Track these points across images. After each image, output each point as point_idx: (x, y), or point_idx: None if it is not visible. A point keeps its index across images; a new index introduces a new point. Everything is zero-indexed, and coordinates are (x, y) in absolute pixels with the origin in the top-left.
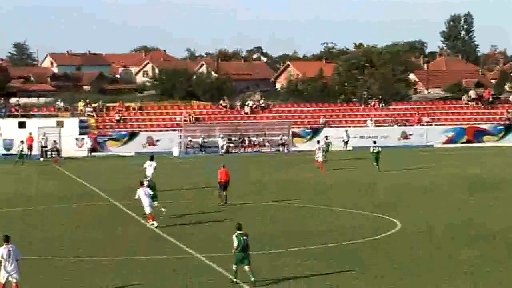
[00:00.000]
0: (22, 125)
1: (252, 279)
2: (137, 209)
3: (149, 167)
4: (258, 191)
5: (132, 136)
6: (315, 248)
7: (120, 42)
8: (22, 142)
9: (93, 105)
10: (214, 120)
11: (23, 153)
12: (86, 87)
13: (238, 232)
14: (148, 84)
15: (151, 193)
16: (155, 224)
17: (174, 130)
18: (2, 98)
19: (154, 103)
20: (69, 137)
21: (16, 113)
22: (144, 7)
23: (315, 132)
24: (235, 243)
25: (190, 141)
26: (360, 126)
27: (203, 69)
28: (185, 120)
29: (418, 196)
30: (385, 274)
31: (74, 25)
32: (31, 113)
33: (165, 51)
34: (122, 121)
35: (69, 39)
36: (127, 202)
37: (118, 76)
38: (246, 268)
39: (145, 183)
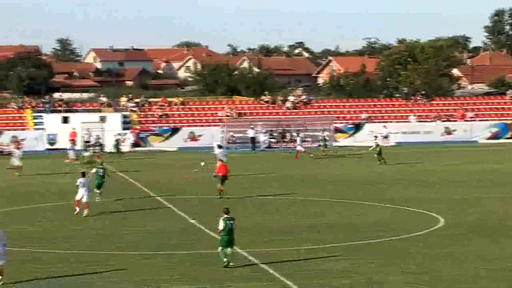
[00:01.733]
0: (65, 120)
1: (231, 263)
2: (178, 202)
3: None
4: (299, 185)
5: (175, 131)
6: (358, 243)
7: (163, 37)
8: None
9: (136, 100)
10: (256, 115)
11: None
12: (129, 83)
13: (226, 216)
14: (190, 79)
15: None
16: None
17: (216, 125)
18: (46, 94)
19: (196, 99)
20: (112, 132)
21: (59, 108)
22: (186, 2)
23: (357, 127)
24: (221, 226)
25: (232, 136)
26: (402, 122)
27: (245, 64)
28: (227, 115)
29: (461, 192)
30: (428, 270)
31: (118, 21)
32: (75, 108)
33: (207, 46)
34: (164, 116)
35: (112, 34)
36: (168, 196)
37: (160, 71)
38: (229, 250)
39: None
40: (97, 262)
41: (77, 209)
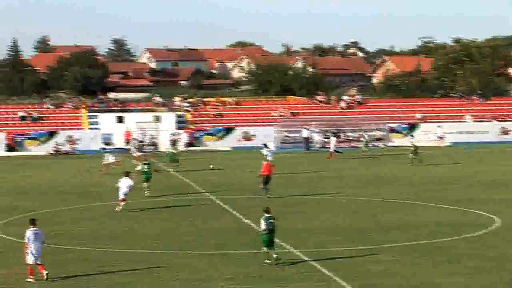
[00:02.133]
0: (120, 120)
1: (268, 261)
2: (233, 202)
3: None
4: (350, 185)
5: (228, 131)
6: (413, 244)
7: (217, 37)
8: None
9: (190, 100)
10: (310, 115)
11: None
12: (183, 82)
13: (267, 215)
14: (244, 79)
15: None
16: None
17: (269, 125)
18: (101, 94)
19: (250, 98)
20: (167, 132)
21: (114, 108)
22: (239, 2)
23: (412, 127)
24: (263, 226)
25: (286, 136)
26: (458, 122)
27: (299, 64)
28: (281, 115)
29: None
30: (484, 271)
31: (172, 21)
32: (129, 108)
33: (261, 46)
34: (218, 116)
35: (167, 34)
36: (223, 195)
37: (215, 71)
38: (265, 248)
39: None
40: (151, 261)
41: (120, 207)
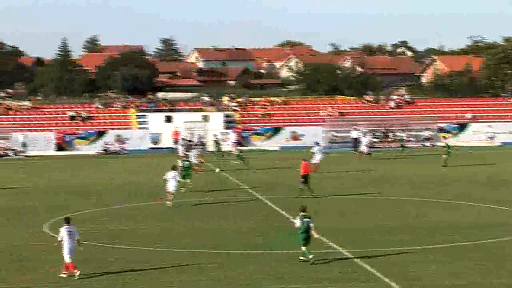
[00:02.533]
0: (169, 119)
1: (303, 258)
2: (278, 201)
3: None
4: (394, 185)
5: (277, 130)
6: (457, 244)
7: (265, 36)
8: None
9: (238, 99)
10: (359, 115)
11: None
12: (231, 82)
13: (302, 214)
14: (292, 78)
15: None
16: None
17: (318, 125)
18: (150, 93)
19: (298, 98)
20: (215, 132)
21: (163, 108)
22: (288, 2)
23: (462, 127)
24: (298, 224)
25: (334, 136)
26: (509, 122)
27: (348, 63)
28: (329, 115)
29: None
30: None
31: (221, 20)
32: (178, 107)
33: (310, 45)
34: (266, 116)
35: (216, 34)
36: (269, 195)
37: (263, 70)
38: (303, 248)
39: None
40: (194, 260)
41: (170, 203)
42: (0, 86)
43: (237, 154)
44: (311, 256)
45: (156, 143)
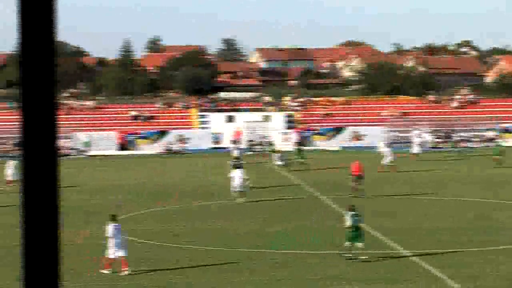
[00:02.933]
0: (230, 119)
1: (364, 256)
2: (340, 201)
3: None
4: (456, 186)
5: (338, 130)
6: None
7: (326, 36)
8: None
9: (299, 99)
10: (420, 115)
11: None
12: (293, 82)
13: (351, 213)
14: (354, 78)
15: None
16: None
17: (379, 125)
18: (211, 93)
19: (359, 98)
20: (276, 131)
21: (224, 108)
22: (349, 1)
23: None
24: (348, 223)
25: (396, 136)
26: None
27: (410, 63)
28: (390, 115)
29: None
30: None
31: (282, 20)
32: (239, 107)
33: (372, 45)
34: (327, 116)
35: (276, 34)
36: (332, 195)
37: (324, 70)
38: (359, 245)
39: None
40: (254, 259)
41: (242, 200)
42: (63, 86)
43: (295, 154)
44: (351, 254)
45: (217, 142)
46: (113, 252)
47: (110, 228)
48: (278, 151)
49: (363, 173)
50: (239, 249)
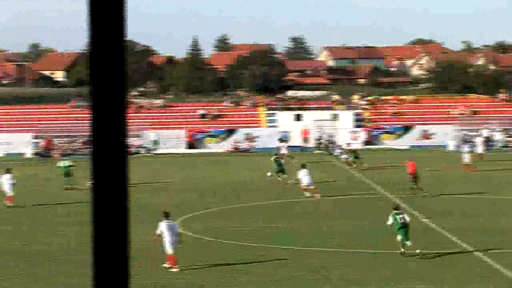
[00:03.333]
0: (298, 118)
1: (417, 251)
2: (409, 201)
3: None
4: None
5: (407, 129)
6: None
7: (396, 34)
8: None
9: (368, 98)
10: (491, 113)
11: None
12: (361, 80)
13: (395, 211)
14: (423, 76)
15: None
16: None
17: (449, 123)
18: (279, 92)
19: (429, 96)
20: (344, 130)
21: (292, 106)
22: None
23: None
24: (390, 222)
25: (466, 135)
26: None
27: (480, 61)
28: (461, 114)
29: None
30: None
31: (351, 19)
32: (307, 106)
33: (441, 43)
34: (396, 114)
35: (345, 32)
36: (400, 194)
37: (393, 69)
38: (408, 243)
39: None
40: (316, 258)
41: (318, 195)
42: (132, 85)
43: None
44: (403, 250)
45: (284, 141)
46: (169, 248)
47: (162, 226)
48: (350, 150)
49: (416, 172)
50: (308, 248)
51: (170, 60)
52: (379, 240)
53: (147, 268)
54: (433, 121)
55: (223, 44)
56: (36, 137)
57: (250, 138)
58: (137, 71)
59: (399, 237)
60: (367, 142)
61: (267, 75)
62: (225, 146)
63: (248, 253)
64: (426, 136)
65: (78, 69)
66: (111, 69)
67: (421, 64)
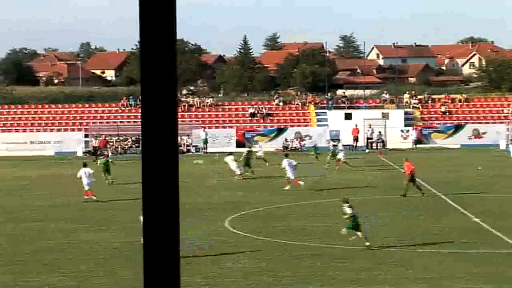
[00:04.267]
0: (348, 116)
1: (367, 243)
2: (458, 200)
3: None
4: None
5: (458, 128)
6: None
7: (446, 33)
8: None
9: (419, 97)
10: None
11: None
12: (412, 79)
13: (346, 204)
14: (474, 75)
15: None
16: None
17: (501, 122)
18: (329, 90)
19: (480, 95)
20: (394, 129)
21: (342, 105)
22: None
23: None
24: (348, 213)
25: None
26: None
27: None
28: None
29: None
30: None
31: (401, 17)
32: (357, 105)
33: (492, 41)
34: (447, 113)
35: (395, 31)
36: (449, 192)
37: (444, 67)
38: (359, 233)
39: None
40: (382, 258)
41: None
42: (183, 84)
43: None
44: (367, 243)
45: (334, 140)
46: None
47: None
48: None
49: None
50: (355, 247)
51: (221, 59)
52: (440, 238)
53: (197, 265)
54: (484, 120)
55: (273, 43)
56: (86, 136)
57: (300, 137)
58: (188, 70)
59: (359, 233)
60: (418, 141)
61: (317, 74)
62: (275, 144)
63: (309, 252)
64: (477, 135)
65: (129, 68)
66: (161, 68)
67: (472, 62)
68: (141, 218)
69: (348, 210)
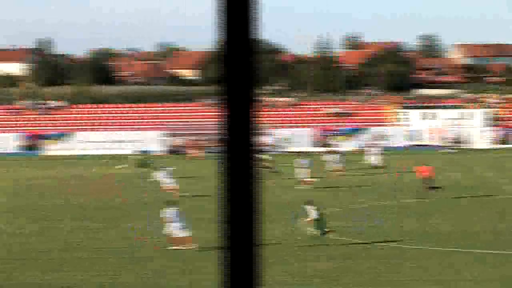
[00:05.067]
0: (429, 116)
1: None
2: None
3: None
4: None
5: None
6: None
7: None
8: None
9: (501, 96)
10: None
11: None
12: (495, 78)
13: (311, 206)
14: None
15: None
16: None
17: None
18: (410, 90)
19: None
20: (476, 129)
21: (423, 105)
22: None
23: None
24: (313, 216)
25: None
26: None
27: None
28: None
29: None
30: None
31: (485, 15)
32: (438, 104)
33: None
34: None
35: (479, 29)
36: None
37: None
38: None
39: None
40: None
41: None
42: (263, 83)
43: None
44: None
45: (416, 140)
46: None
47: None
48: None
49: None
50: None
51: (299, 58)
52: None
53: (282, 264)
54: None
55: (353, 42)
56: (164, 135)
57: (379, 137)
58: (267, 69)
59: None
60: (503, 141)
61: (397, 73)
62: (355, 144)
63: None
64: None
65: (209, 68)
66: (241, 68)
67: None
68: (165, 211)
69: (313, 213)
